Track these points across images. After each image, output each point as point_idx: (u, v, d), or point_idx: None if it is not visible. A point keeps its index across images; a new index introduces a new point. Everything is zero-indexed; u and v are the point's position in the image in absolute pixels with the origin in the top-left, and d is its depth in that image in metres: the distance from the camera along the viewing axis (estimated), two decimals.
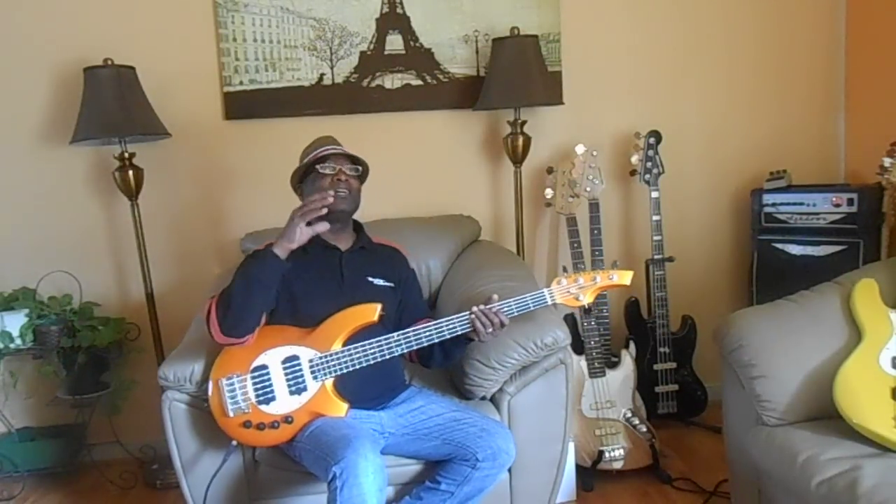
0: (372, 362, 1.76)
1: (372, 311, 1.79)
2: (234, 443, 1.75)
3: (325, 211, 1.73)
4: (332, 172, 1.89)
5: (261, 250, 1.78)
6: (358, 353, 1.75)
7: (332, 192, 1.76)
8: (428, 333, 1.77)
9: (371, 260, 1.98)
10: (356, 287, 1.88)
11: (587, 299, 1.82)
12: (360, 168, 1.97)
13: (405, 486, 1.84)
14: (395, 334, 1.78)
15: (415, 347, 1.78)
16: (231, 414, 1.72)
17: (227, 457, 1.76)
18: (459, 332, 1.77)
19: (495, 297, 1.78)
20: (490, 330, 1.75)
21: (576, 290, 1.81)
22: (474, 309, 1.76)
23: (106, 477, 2.64)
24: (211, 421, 1.77)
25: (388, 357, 1.77)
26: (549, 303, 1.80)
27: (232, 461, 1.85)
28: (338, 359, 1.76)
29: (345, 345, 1.77)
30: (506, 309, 1.77)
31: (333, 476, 1.52)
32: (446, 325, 1.77)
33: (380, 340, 1.76)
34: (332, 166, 1.90)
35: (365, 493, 1.50)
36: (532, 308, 1.80)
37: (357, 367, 1.75)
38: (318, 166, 1.91)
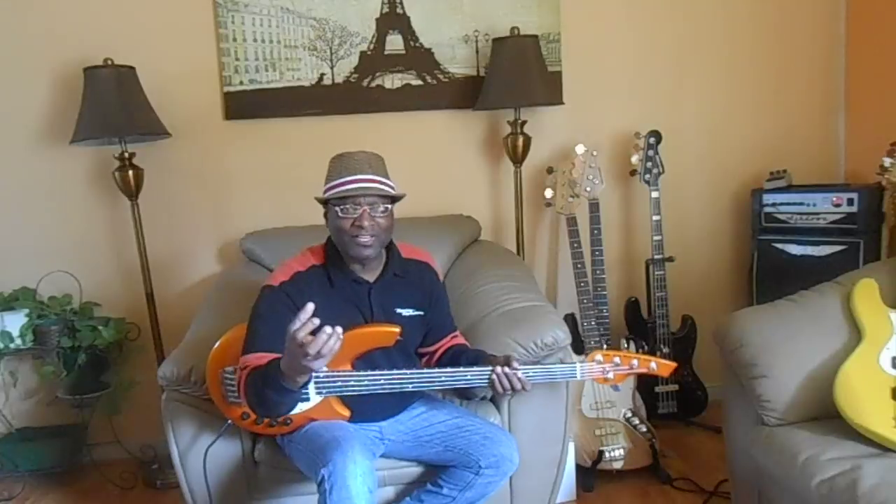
0: (379, 392, 1.67)
1: (391, 336, 1.66)
2: (229, 421, 1.75)
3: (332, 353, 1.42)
4: (353, 216, 1.66)
5: (280, 376, 1.48)
6: (367, 380, 1.66)
7: (340, 334, 1.41)
8: (442, 380, 1.68)
9: (401, 287, 1.81)
10: (383, 319, 1.76)
11: (614, 378, 1.74)
12: (392, 203, 1.72)
13: (406, 487, 1.84)
14: (410, 372, 1.69)
15: (425, 389, 1.72)
16: (230, 402, 1.72)
17: (221, 432, 1.77)
18: (475, 386, 1.70)
19: (516, 363, 1.66)
20: (510, 392, 1.67)
21: (610, 370, 1.74)
22: (497, 370, 1.64)
23: (106, 477, 2.64)
24: (211, 420, 1.77)
25: (397, 391, 1.70)
26: (578, 378, 1.74)
27: (231, 460, 1.86)
28: (344, 380, 1.66)
29: (356, 364, 1.69)
30: (531, 374, 1.68)
31: (322, 478, 1.52)
32: (462, 378, 1.68)
33: (392, 373, 1.67)
34: (353, 209, 1.66)
35: (353, 497, 1.49)
36: (558, 379, 1.75)
37: (364, 393, 1.68)
38: (336, 208, 1.68)
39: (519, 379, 1.64)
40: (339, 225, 1.68)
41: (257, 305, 1.68)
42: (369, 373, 1.67)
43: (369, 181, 1.67)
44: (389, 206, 1.71)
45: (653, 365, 1.74)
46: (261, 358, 1.59)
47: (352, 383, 1.67)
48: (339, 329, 1.40)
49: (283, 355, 1.47)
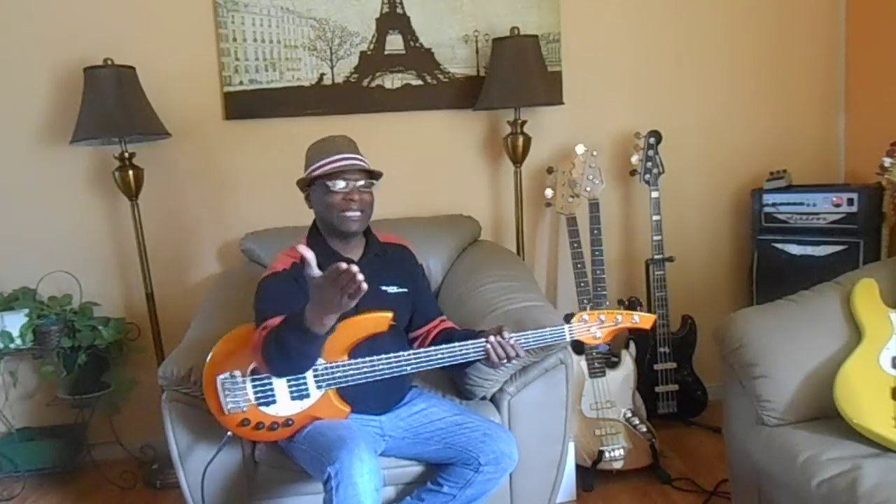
0: (378, 378, 1.71)
1: (384, 321, 1.69)
2: (229, 433, 1.74)
3: (365, 286, 1.45)
4: (343, 190, 1.75)
5: (305, 326, 1.50)
6: (366, 366, 1.70)
7: (359, 275, 1.43)
8: (439, 357, 1.71)
9: (383, 266, 1.87)
10: (371, 299, 1.74)
11: (602, 337, 1.80)
12: (375, 181, 1.82)
13: (407, 486, 1.84)
14: (407, 353, 1.71)
15: (424, 369, 1.73)
16: (227, 412, 1.70)
17: (221, 446, 1.75)
18: (472, 359, 1.73)
19: (507, 332, 1.71)
20: (504, 361, 1.71)
21: (596, 328, 1.80)
22: (491, 339, 1.69)
23: (106, 477, 2.64)
24: (211, 421, 1.76)
25: (395, 375, 1.72)
26: (568, 339, 1.78)
27: (232, 460, 1.86)
28: (343, 370, 1.70)
29: (351, 353, 1.71)
30: (522, 341, 1.72)
31: (328, 477, 1.52)
32: (459, 351, 1.71)
33: (389, 357, 1.70)
34: (343, 183, 1.75)
35: (360, 494, 1.50)
36: (549, 342, 1.77)
37: (363, 381, 1.71)
38: (327, 182, 1.75)
39: (512, 346, 1.69)
40: (328, 200, 1.75)
41: (262, 290, 1.72)
42: (367, 359, 1.70)
43: (353, 158, 1.78)
44: (372, 182, 1.81)
45: (635, 318, 1.82)
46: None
47: (351, 372, 1.70)
48: (358, 271, 1.41)
49: (309, 303, 1.49)
